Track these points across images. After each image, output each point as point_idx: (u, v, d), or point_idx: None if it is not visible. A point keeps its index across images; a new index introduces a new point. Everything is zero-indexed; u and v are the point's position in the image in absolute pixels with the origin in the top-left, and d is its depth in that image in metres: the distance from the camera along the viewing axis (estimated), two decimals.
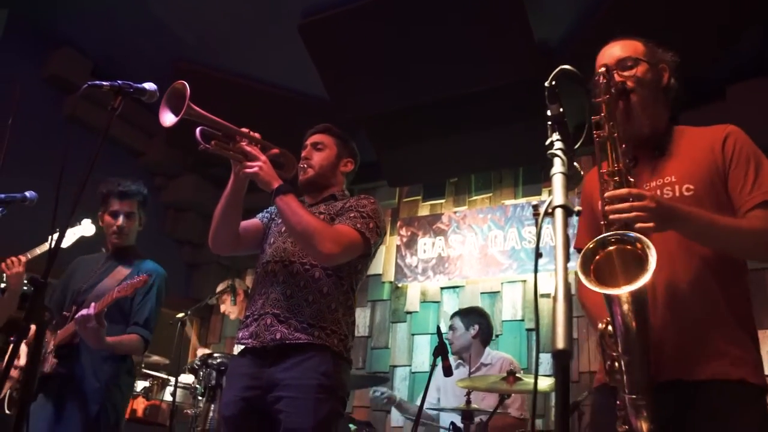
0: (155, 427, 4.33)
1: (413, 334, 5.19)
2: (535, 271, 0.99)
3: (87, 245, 3.29)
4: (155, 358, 4.54)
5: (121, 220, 3.01)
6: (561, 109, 1.24)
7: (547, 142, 1.20)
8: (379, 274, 5.56)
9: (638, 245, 1.34)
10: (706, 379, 1.52)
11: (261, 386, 2.19)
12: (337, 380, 2.21)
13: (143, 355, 2.99)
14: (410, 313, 5.29)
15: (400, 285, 5.40)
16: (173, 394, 3.91)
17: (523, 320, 4.75)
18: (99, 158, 5.04)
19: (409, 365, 5.10)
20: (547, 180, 5.03)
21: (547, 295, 4.55)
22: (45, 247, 3.07)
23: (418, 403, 4.05)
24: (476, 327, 4.01)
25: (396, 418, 4.83)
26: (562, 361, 0.82)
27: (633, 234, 1.38)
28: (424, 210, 5.62)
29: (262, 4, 4.37)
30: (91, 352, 2.74)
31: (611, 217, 1.45)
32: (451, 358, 3.96)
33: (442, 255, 5.25)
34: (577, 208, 1.05)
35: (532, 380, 3.12)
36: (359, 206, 2.38)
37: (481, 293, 4.98)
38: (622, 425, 1.51)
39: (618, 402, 1.52)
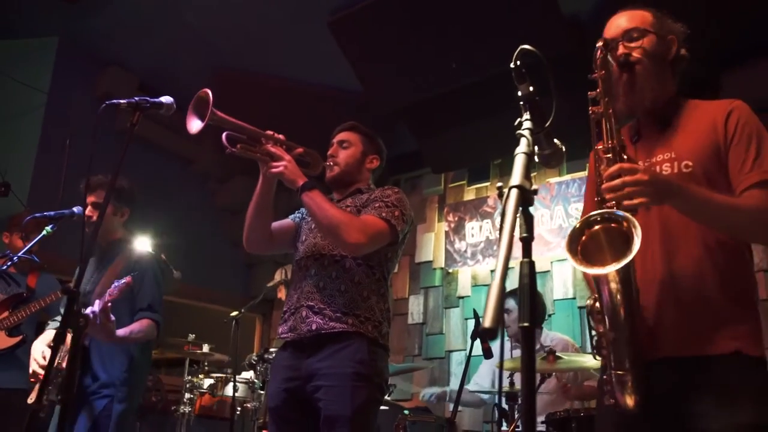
0: (221, 422, 4.52)
1: (467, 319, 5.21)
2: (499, 254, 0.98)
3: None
4: (217, 356, 4.73)
5: (88, 210, 2.95)
6: (531, 88, 1.25)
7: (516, 122, 1.22)
8: (430, 261, 5.61)
9: (624, 224, 1.34)
10: (703, 354, 1.51)
11: (301, 377, 2.27)
12: (374, 367, 2.26)
13: (157, 337, 2.97)
14: (462, 297, 5.31)
15: (450, 270, 5.43)
16: (234, 390, 4.07)
17: (575, 298, 4.69)
18: (153, 169, 5.25)
19: (464, 349, 5.12)
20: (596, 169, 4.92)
21: None
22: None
23: (470, 387, 4.11)
24: None
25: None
26: (486, 339, 0.84)
27: (619, 213, 1.37)
28: (470, 194, 5.61)
29: (291, 5, 4.47)
30: (101, 350, 2.81)
31: (606, 195, 1.44)
32: (505, 342, 3.98)
33: (490, 238, 5.24)
34: (534, 187, 1.07)
35: (573, 358, 3.11)
36: (384, 196, 2.42)
37: None
38: (609, 399, 1.51)
39: (605, 377, 1.53)
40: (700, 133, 1.65)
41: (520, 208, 1.04)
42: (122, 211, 3.09)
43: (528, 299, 1.00)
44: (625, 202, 1.40)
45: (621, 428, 1.58)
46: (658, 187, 1.44)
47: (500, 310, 0.85)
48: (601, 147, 1.56)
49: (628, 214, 1.36)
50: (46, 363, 2.83)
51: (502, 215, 1.03)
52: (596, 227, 1.39)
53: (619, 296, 1.41)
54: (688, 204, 1.51)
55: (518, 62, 1.26)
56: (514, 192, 1.03)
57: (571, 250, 1.37)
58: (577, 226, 1.40)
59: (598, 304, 1.48)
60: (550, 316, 4.65)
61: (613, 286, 1.40)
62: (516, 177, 1.06)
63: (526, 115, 1.23)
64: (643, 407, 1.48)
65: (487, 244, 5.25)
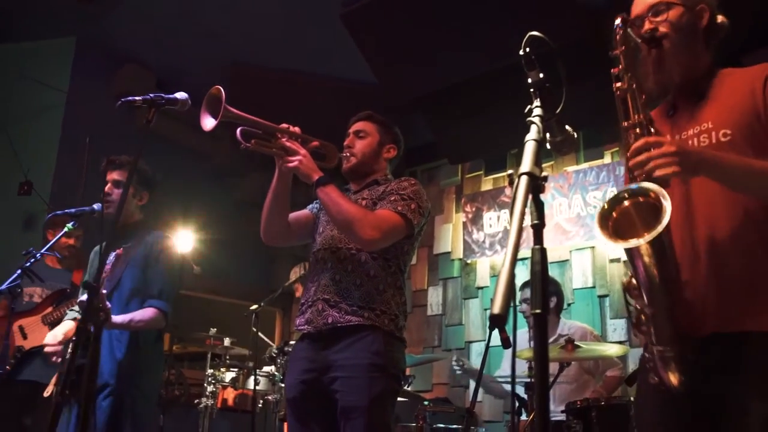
0: (243, 414, 4.57)
1: (486, 309, 5.21)
2: (509, 242, 0.97)
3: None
4: (238, 349, 4.78)
5: (108, 187, 2.86)
6: (541, 75, 1.25)
7: (527, 109, 1.21)
8: (448, 252, 5.61)
9: (652, 195, 1.32)
10: (754, 330, 1.46)
11: (318, 368, 2.28)
12: (389, 358, 2.26)
13: (165, 326, 2.84)
14: (481, 288, 5.31)
15: (469, 261, 5.43)
16: (255, 383, 4.11)
17: (594, 287, 4.67)
18: (171, 165, 5.29)
19: (484, 340, 5.12)
20: (609, 142, 4.91)
21: (617, 260, 4.52)
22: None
23: (493, 376, 4.11)
24: (554, 299, 3.97)
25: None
26: (496, 325, 0.85)
27: (645, 185, 1.35)
28: (487, 184, 5.60)
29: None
30: (111, 341, 2.68)
31: (636, 172, 1.42)
32: (524, 332, 3.97)
33: (508, 228, 5.21)
34: (544, 174, 1.06)
35: (592, 347, 3.09)
36: (400, 189, 2.40)
37: (550, 263, 4.88)
38: (653, 377, 1.49)
39: (647, 355, 1.51)
40: (737, 101, 1.59)
41: (530, 195, 1.03)
42: (141, 194, 2.98)
43: (540, 286, 1.00)
44: (655, 173, 1.37)
45: (664, 408, 1.55)
46: (686, 158, 1.39)
47: (509, 296, 0.85)
48: (627, 124, 1.53)
49: (654, 185, 1.33)
50: (56, 346, 2.80)
51: (512, 202, 1.03)
52: (625, 204, 1.38)
53: (654, 270, 1.38)
54: (723, 173, 1.46)
55: (527, 49, 1.25)
56: (524, 179, 1.03)
57: (603, 226, 1.36)
58: (605, 206, 1.38)
59: (634, 280, 1.46)
60: (569, 305, 4.62)
61: (647, 259, 1.37)
62: (526, 164, 1.06)
63: (537, 102, 1.23)
64: (688, 386, 1.46)
65: (505, 234, 5.23)
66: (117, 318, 2.60)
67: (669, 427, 1.56)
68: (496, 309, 0.84)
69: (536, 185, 1.04)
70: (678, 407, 1.52)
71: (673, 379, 1.45)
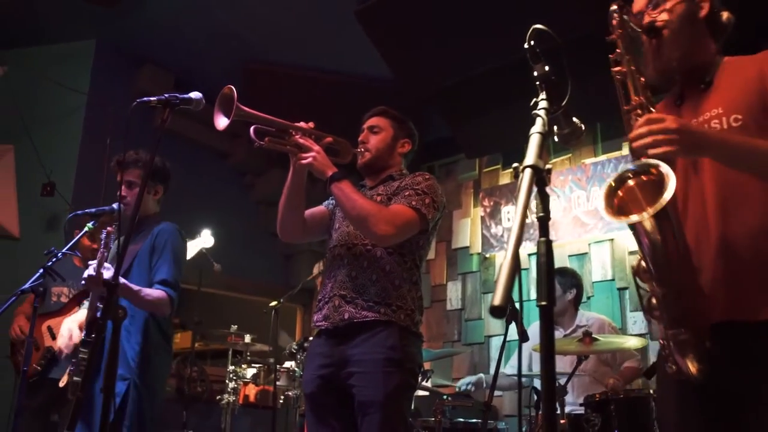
0: (265, 410, 4.62)
1: None
2: (511, 233, 0.98)
3: None
4: (258, 346, 4.82)
5: (122, 189, 2.80)
6: (546, 68, 1.25)
7: (532, 102, 1.22)
8: (467, 247, 5.61)
9: (653, 171, 1.31)
10: (759, 320, 1.44)
11: (334, 363, 2.30)
12: (405, 353, 2.27)
13: (170, 313, 2.77)
14: None
15: (488, 255, 5.42)
16: (275, 379, 4.15)
17: (613, 280, 4.63)
18: (189, 164, 5.33)
19: (504, 334, 5.10)
20: (627, 133, 4.85)
21: (636, 252, 4.48)
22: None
23: (508, 372, 4.10)
24: (574, 291, 3.96)
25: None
26: (496, 316, 0.85)
27: (647, 161, 1.34)
28: (505, 178, 5.58)
29: None
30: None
31: (635, 145, 1.41)
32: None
33: (527, 221, 5.19)
34: (548, 166, 1.07)
35: (610, 339, 3.08)
36: (414, 184, 2.41)
37: (569, 256, 4.90)
38: (671, 366, 1.46)
39: (662, 342, 1.48)
40: (746, 85, 1.59)
41: (536, 188, 1.04)
42: (155, 189, 2.99)
43: (546, 278, 1.00)
44: (651, 151, 1.36)
45: (684, 400, 1.52)
46: (687, 136, 1.39)
47: (510, 288, 0.85)
48: (628, 107, 1.53)
49: (656, 161, 1.33)
50: (71, 341, 2.83)
51: (516, 195, 1.04)
52: (630, 182, 1.37)
53: (662, 247, 1.36)
54: (728, 153, 1.46)
55: (532, 42, 1.25)
56: (528, 172, 1.04)
57: (608, 205, 1.36)
58: (612, 184, 1.38)
59: (643, 263, 1.45)
60: (588, 298, 4.60)
61: (654, 236, 1.35)
62: (530, 157, 1.07)
63: (542, 95, 1.23)
64: (707, 374, 1.41)
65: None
66: (127, 283, 2.57)
67: (689, 420, 1.53)
68: (497, 300, 0.85)
69: (540, 178, 1.04)
70: (698, 398, 1.49)
71: (692, 366, 1.41)
